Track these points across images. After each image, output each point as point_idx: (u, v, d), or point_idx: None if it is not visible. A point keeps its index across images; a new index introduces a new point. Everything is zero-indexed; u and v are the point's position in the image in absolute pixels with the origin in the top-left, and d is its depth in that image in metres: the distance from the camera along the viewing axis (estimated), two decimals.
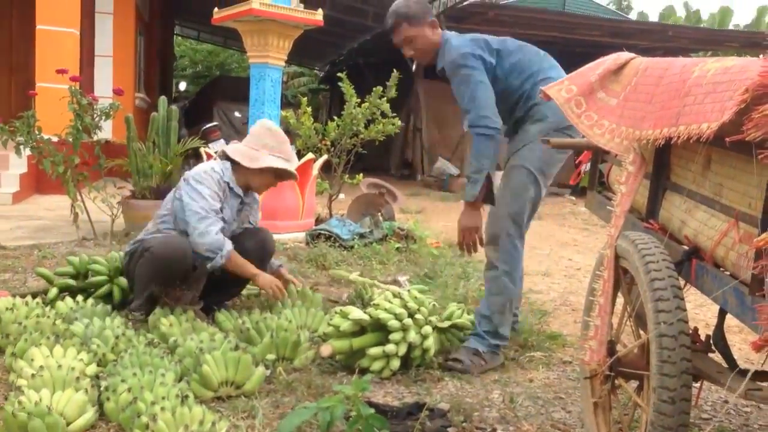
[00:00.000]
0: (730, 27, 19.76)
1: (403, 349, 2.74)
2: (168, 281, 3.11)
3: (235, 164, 3.25)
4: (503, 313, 2.97)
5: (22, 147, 5.17)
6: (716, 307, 1.98)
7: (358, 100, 6.26)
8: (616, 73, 2.20)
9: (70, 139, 5.17)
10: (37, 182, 7.74)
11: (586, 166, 3.08)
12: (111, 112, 5.38)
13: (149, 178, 5.40)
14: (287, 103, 9.87)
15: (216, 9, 5.43)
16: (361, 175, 6.94)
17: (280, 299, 3.20)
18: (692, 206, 1.91)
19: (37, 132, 5.13)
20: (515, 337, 3.25)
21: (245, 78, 9.75)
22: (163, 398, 2.15)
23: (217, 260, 3.04)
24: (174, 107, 5.91)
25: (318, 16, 5.34)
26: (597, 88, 2.21)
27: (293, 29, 5.33)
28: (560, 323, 3.75)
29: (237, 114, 12.96)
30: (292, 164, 3.36)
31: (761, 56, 1.46)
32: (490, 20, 10.89)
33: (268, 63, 5.35)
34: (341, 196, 7.00)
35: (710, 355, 2.00)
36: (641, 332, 2.02)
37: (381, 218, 5.91)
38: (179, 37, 25.34)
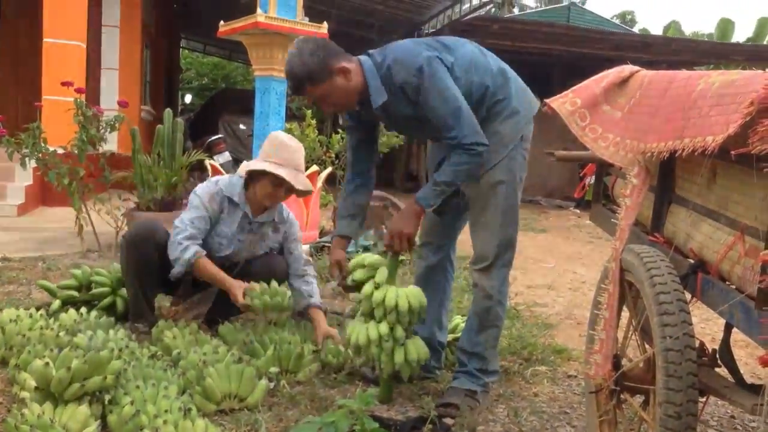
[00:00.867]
0: (732, 41, 19.77)
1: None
2: (145, 269, 3.07)
3: (247, 181, 3.19)
4: (495, 347, 2.73)
5: (27, 159, 5.19)
6: (722, 321, 1.97)
7: None
8: (621, 86, 2.20)
9: (76, 151, 5.20)
10: (42, 194, 7.77)
11: (590, 179, 3.08)
12: (116, 125, 5.41)
13: (154, 190, 5.41)
14: (292, 115, 9.89)
15: (222, 22, 5.46)
16: None
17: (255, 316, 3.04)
18: (697, 219, 1.90)
19: (42, 144, 5.15)
20: (520, 351, 3.24)
21: (250, 91, 9.78)
22: (166, 411, 2.15)
23: (175, 269, 3.02)
24: (179, 120, 5.94)
25: (323, 29, 5.36)
26: (601, 101, 2.21)
27: None
28: (565, 337, 3.73)
29: (242, 126, 12.99)
30: (298, 174, 3.15)
31: (767, 69, 1.46)
32: (495, 33, 10.92)
33: (273, 76, 5.36)
34: None
35: (716, 369, 1.98)
36: (647, 346, 2.01)
37: (385, 230, 5.90)
38: (185, 50, 25.53)
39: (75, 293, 3.38)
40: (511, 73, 2.62)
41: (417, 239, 2.71)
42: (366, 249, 5.53)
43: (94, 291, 3.35)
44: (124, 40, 11.00)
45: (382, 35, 14.18)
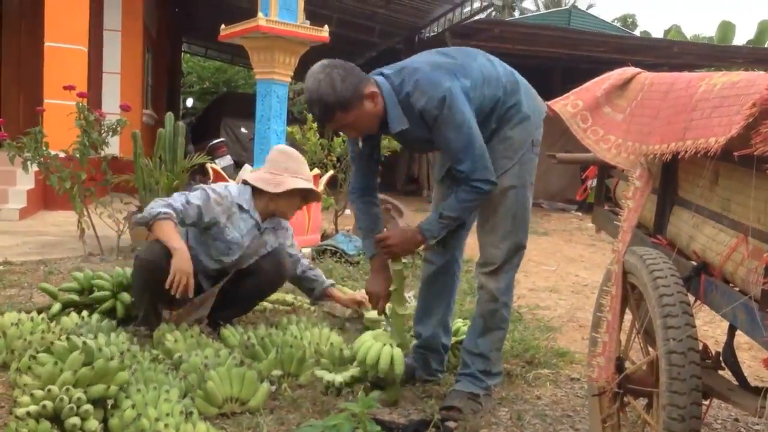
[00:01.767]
0: (734, 44, 19.78)
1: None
2: (157, 288, 3.03)
3: (256, 191, 3.25)
4: (500, 350, 2.72)
5: (29, 163, 5.19)
6: (726, 324, 1.96)
7: None
8: (622, 88, 2.20)
9: (78, 155, 5.20)
10: (44, 198, 7.78)
11: (592, 182, 3.07)
12: (118, 128, 5.41)
13: (156, 193, 5.41)
14: (293, 119, 9.91)
15: (223, 26, 5.47)
16: None
17: (183, 294, 2.95)
18: (700, 221, 1.90)
19: (44, 148, 5.15)
20: (522, 353, 3.23)
21: (252, 94, 9.81)
22: (167, 415, 2.14)
23: (138, 216, 3.10)
24: (181, 123, 5.94)
25: (324, 32, 5.37)
26: (603, 102, 2.21)
27: (299, 46, 5.36)
28: (568, 340, 3.72)
29: (243, 130, 13.00)
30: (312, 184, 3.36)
31: None
32: (496, 37, 10.93)
33: (275, 79, 5.37)
34: (347, 211, 7.00)
35: (720, 372, 1.98)
36: (650, 349, 2.00)
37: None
38: (187, 54, 25.57)
39: (76, 296, 3.38)
40: (521, 78, 2.61)
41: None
42: None
43: (95, 294, 3.35)
44: (126, 44, 11.02)
45: (382, 38, 14.20)
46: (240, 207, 3.21)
